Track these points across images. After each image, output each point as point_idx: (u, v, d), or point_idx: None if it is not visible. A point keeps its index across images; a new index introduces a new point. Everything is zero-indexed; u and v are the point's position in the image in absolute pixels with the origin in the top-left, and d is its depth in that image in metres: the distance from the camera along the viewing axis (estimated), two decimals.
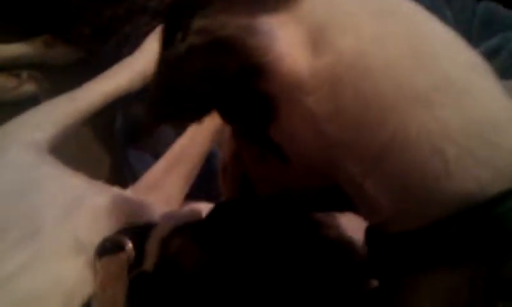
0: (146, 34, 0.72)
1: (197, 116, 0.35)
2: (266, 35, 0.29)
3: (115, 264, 0.38)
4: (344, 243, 0.37)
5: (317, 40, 0.29)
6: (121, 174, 0.76)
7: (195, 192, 0.60)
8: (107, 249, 0.40)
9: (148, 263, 0.38)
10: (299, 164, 0.33)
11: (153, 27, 0.72)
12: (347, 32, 0.29)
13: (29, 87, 0.77)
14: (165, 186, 0.57)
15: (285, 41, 0.30)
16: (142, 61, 0.66)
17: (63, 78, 0.81)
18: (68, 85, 0.66)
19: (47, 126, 0.55)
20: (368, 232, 0.33)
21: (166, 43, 0.34)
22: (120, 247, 0.39)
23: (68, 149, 0.61)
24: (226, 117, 0.37)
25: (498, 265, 0.26)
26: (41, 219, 0.43)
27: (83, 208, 0.45)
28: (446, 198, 0.27)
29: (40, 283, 0.40)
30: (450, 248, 0.27)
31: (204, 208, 0.44)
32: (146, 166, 0.67)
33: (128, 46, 0.74)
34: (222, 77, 0.30)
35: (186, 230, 0.38)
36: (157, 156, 0.69)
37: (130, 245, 0.39)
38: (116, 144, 0.79)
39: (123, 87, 0.63)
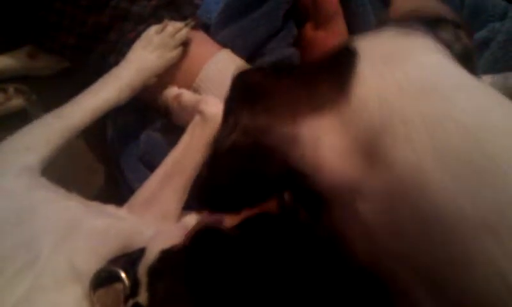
0: (131, 41, 0.71)
1: (236, 207, 0.34)
2: (310, 144, 0.28)
3: (111, 296, 0.38)
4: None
5: (368, 149, 0.27)
6: (115, 183, 0.76)
7: (192, 203, 0.60)
8: (102, 280, 0.40)
9: (143, 294, 0.38)
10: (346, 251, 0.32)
11: (139, 34, 0.71)
12: (402, 143, 0.26)
13: (16, 102, 0.76)
14: (161, 200, 0.57)
15: (332, 150, 0.28)
16: (129, 71, 0.65)
17: (49, 89, 0.80)
18: (56, 96, 0.65)
19: (38, 148, 0.54)
20: None
21: (223, 122, 0.33)
22: (115, 278, 0.39)
23: (60, 159, 0.60)
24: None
25: None
26: (38, 247, 0.43)
27: (79, 233, 0.44)
28: None
29: None
30: None
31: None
32: (140, 176, 0.67)
33: (114, 54, 0.73)
34: (261, 178, 0.30)
35: (171, 267, 0.38)
36: (150, 165, 0.69)
37: (123, 275, 0.39)
38: (108, 152, 0.79)
39: (112, 100, 0.62)
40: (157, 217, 0.55)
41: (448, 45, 0.30)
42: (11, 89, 0.76)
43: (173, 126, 0.71)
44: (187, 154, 0.59)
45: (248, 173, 0.30)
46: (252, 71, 0.35)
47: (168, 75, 0.71)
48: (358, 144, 0.28)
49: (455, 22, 0.32)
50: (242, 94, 0.32)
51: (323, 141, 0.28)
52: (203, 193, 0.35)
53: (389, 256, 0.28)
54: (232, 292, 0.35)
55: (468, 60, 0.32)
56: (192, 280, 0.36)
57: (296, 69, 0.35)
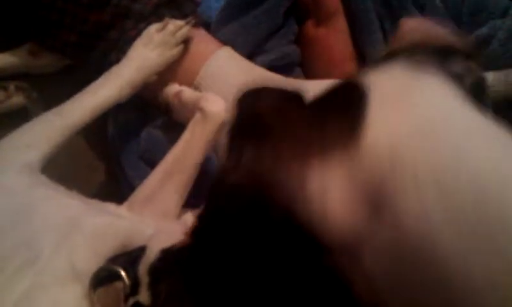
0: (132, 38, 0.71)
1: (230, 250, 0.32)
2: (317, 196, 0.27)
3: (111, 295, 0.38)
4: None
5: (376, 198, 0.26)
6: (116, 181, 0.76)
7: (192, 200, 0.60)
8: (102, 279, 0.39)
9: (143, 293, 0.37)
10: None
11: (140, 31, 0.71)
12: (409, 193, 0.25)
13: (17, 99, 0.76)
14: (161, 198, 0.57)
15: (339, 202, 0.27)
16: (129, 69, 0.65)
17: (50, 87, 0.80)
18: (57, 94, 0.65)
19: (38, 145, 0.54)
20: None
21: (229, 152, 0.32)
22: (115, 277, 0.39)
23: (60, 157, 0.60)
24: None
25: None
26: (39, 245, 0.43)
27: (79, 231, 0.44)
28: None
29: None
30: None
31: None
32: (141, 174, 0.67)
33: (115, 51, 0.73)
34: (261, 223, 0.29)
35: (172, 266, 0.37)
36: (151, 163, 0.69)
37: (123, 274, 0.38)
38: (109, 150, 0.79)
39: (112, 98, 0.62)
40: (157, 214, 0.55)
41: (459, 78, 0.29)
42: (11, 87, 0.76)
43: (173, 124, 0.71)
44: (188, 151, 0.59)
45: (248, 216, 0.29)
46: (259, 98, 0.32)
47: (168, 72, 0.71)
48: (366, 193, 0.27)
49: (465, 52, 0.31)
50: (246, 126, 0.31)
51: (331, 193, 0.27)
52: (200, 224, 0.35)
53: (394, 302, 0.27)
54: (233, 292, 0.35)
55: (480, 93, 0.31)
56: (193, 279, 0.36)
57: (303, 102, 0.33)
